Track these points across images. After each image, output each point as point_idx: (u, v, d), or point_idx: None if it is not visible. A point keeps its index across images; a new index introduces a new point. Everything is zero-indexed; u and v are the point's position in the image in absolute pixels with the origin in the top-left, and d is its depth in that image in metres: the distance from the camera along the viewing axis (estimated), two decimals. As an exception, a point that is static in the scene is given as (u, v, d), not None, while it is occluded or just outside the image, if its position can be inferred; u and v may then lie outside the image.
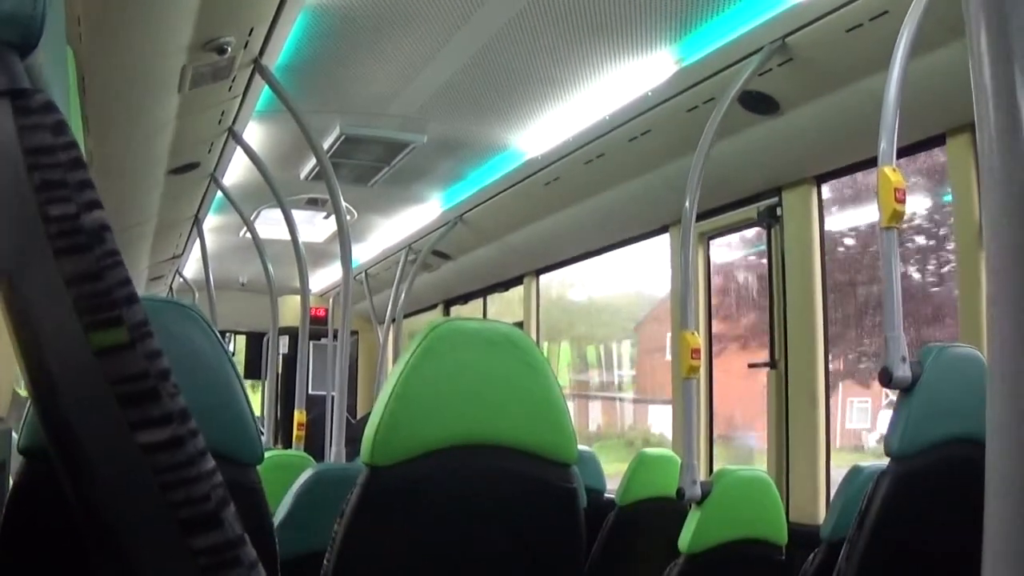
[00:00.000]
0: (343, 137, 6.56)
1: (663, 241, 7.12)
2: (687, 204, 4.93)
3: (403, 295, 10.14)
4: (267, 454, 3.00)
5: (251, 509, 2.38)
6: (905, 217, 3.70)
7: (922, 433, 3.07)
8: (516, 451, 2.53)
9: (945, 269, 5.82)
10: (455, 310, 11.55)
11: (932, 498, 3.09)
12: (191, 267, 11.49)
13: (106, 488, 0.78)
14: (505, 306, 10.48)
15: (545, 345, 9.93)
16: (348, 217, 6.70)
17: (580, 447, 3.25)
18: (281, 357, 12.99)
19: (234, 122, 6.08)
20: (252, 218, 8.34)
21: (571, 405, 5.90)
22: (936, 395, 3.12)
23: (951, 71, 4.15)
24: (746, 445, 7.43)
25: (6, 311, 0.83)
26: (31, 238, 0.80)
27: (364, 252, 10.73)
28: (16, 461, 2.32)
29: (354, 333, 13.22)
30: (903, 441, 3.05)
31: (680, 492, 4.51)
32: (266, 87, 5.44)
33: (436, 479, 2.47)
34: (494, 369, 2.52)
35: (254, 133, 6.61)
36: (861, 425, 7.73)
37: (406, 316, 10.75)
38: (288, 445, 8.34)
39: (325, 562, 2.45)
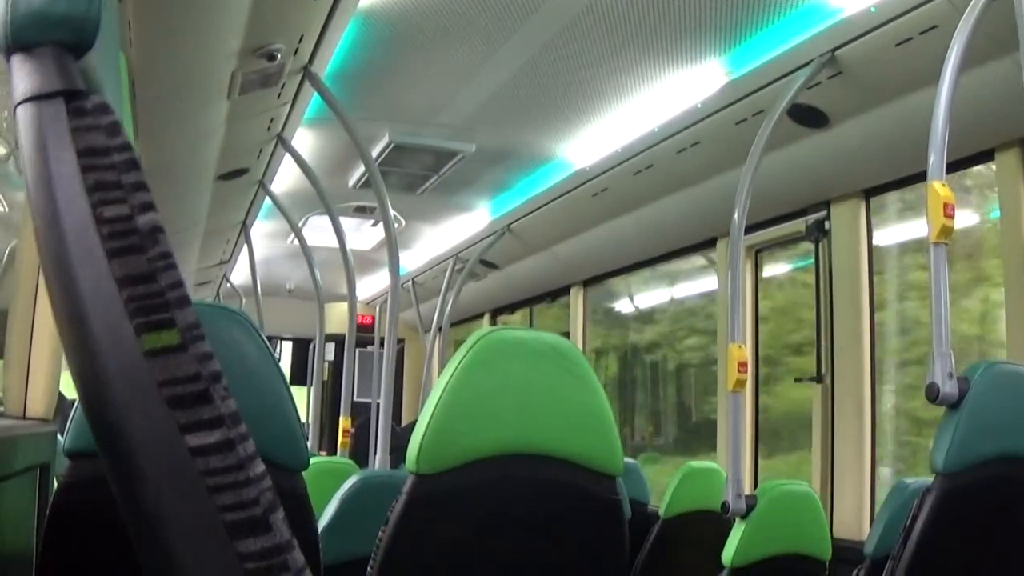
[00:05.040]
0: (392, 145, 6.57)
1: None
2: (736, 217, 4.91)
3: (450, 304, 10.15)
4: (312, 460, 3.02)
5: (296, 514, 2.38)
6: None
7: (968, 450, 3.04)
8: (561, 461, 2.53)
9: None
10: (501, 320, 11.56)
11: (978, 515, 3.07)
12: (238, 273, 11.52)
13: (154, 490, 0.78)
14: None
15: (593, 356, 9.90)
16: (396, 225, 6.72)
17: (625, 460, 3.24)
18: (327, 364, 13.03)
19: (283, 129, 6.10)
20: (300, 225, 8.36)
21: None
22: (983, 412, 3.09)
23: (1000, 86, 4.13)
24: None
25: (57, 311, 0.84)
26: (84, 239, 0.80)
27: (411, 260, 10.74)
28: (61, 462, 2.34)
29: (400, 341, 13.22)
30: (949, 457, 3.02)
31: (725, 506, 4.49)
32: (315, 94, 5.46)
33: (481, 488, 2.47)
34: (540, 379, 2.52)
35: (303, 140, 6.64)
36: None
37: (452, 325, 10.75)
38: (333, 451, 8.36)
39: (369, 568, 2.46)
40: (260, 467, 0.83)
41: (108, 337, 0.79)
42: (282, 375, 2.42)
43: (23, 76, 0.85)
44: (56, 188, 0.81)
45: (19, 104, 0.84)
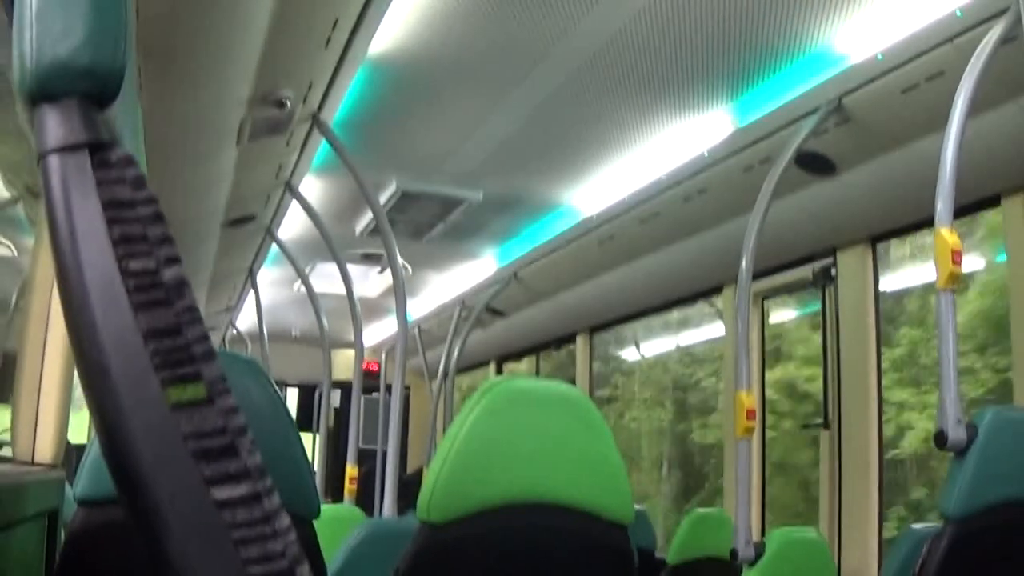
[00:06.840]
0: (399, 193, 6.58)
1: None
2: (743, 264, 4.89)
3: (456, 351, 10.12)
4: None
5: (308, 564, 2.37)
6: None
7: (977, 496, 3.04)
8: (572, 510, 2.52)
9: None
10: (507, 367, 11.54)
11: (987, 561, 3.06)
12: (244, 319, 11.51)
13: (180, 543, 0.78)
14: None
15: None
16: (403, 272, 6.72)
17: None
18: (332, 410, 13.00)
19: (291, 176, 6.11)
20: (307, 272, 8.36)
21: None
22: (992, 457, 3.09)
23: (1006, 132, 4.13)
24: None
25: (81, 363, 0.84)
26: (110, 292, 0.80)
27: (417, 307, 10.72)
28: (68, 510, 2.34)
29: (406, 388, 13.17)
30: (958, 503, 3.01)
31: (734, 553, 4.47)
32: (323, 142, 5.46)
33: (492, 537, 2.46)
34: (551, 428, 2.51)
35: (311, 187, 6.64)
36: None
37: (459, 372, 10.72)
38: (338, 499, 8.33)
39: None
40: (286, 520, 0.83)
41: (133, 390, 0.79)
42: (292, 423, 2.41)
43: (49, 128, 0.85)
44: (81, 240, 0.81)
45: (44, 155, 0.85)
